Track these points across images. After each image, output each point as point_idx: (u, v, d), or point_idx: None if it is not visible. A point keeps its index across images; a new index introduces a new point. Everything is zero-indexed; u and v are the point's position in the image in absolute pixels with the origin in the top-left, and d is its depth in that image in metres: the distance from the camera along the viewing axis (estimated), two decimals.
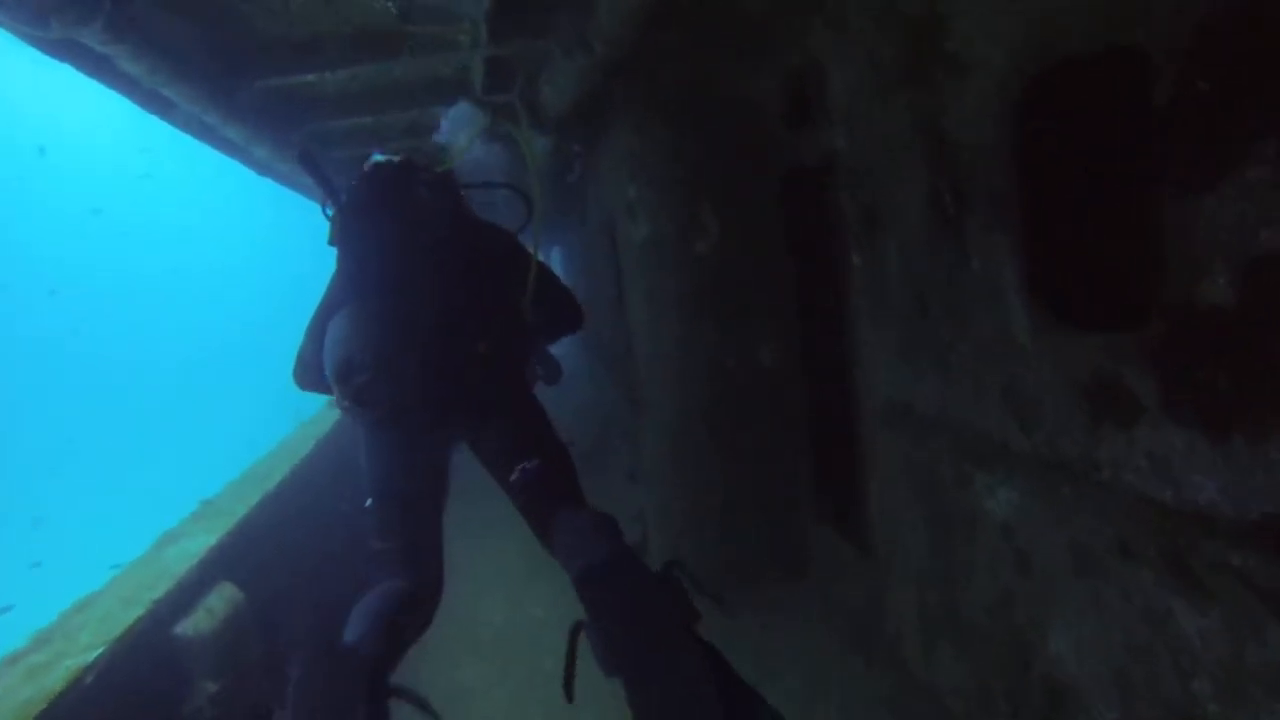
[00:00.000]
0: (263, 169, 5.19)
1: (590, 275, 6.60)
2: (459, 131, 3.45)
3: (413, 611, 2.32)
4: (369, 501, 2.48)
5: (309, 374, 2.66)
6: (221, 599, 2.99)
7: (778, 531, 3.95)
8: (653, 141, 3.91)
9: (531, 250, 2.78)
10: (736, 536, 3.95)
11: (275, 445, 5.24)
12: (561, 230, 9.73)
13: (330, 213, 2.75)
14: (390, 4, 3.05)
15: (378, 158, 2.80)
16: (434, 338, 2.41)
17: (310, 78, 3.66)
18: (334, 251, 2.67)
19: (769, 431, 3.95)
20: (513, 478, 2.44)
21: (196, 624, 2.81)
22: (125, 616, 2.55)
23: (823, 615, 3.53)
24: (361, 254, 2.57)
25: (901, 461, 2.77)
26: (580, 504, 2.45)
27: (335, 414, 5.46)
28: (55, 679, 2.14)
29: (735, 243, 3.90)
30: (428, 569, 2.45)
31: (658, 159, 3.91)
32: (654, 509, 4.33)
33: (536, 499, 2.43)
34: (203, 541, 3.26)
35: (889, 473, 2.90)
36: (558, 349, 3.37)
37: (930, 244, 2.35)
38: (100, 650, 2.31)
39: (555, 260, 18.13)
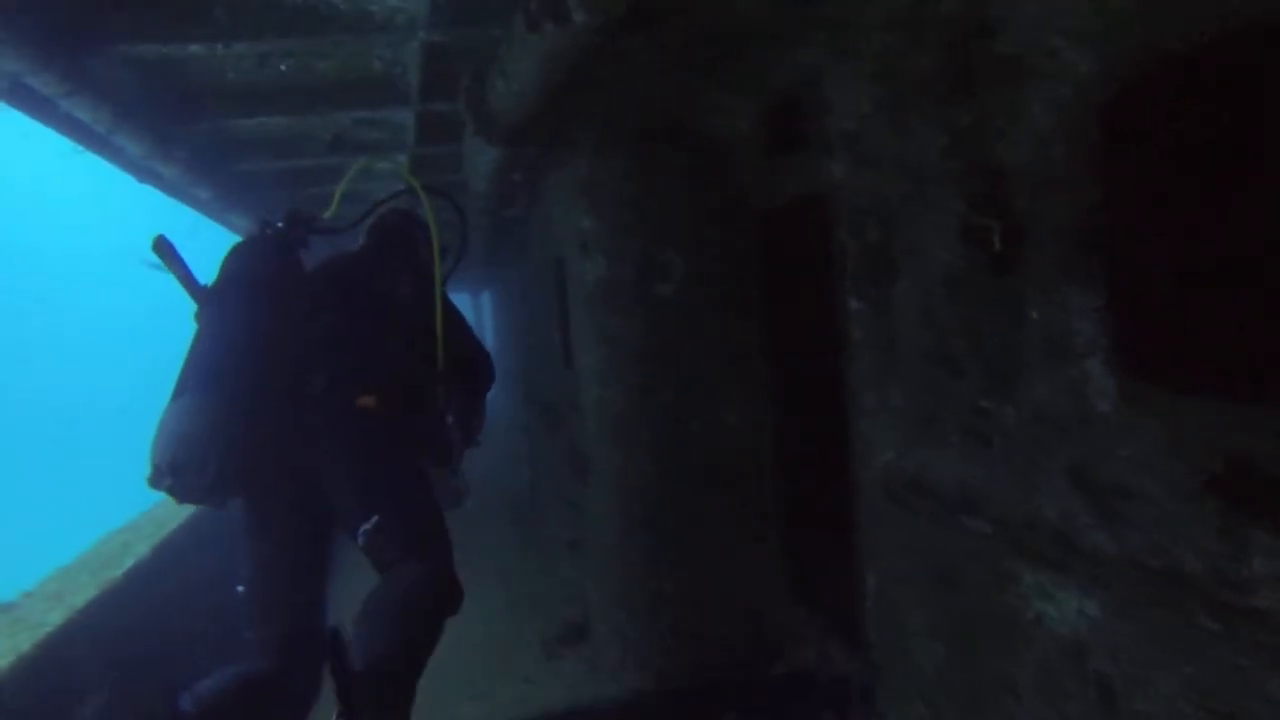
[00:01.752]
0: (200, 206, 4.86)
1: (532, 317, 6.13)
2: None
3: (273, 701, 2.21)
4: (239, 587, 2.37)
5: None
6: None
7: (746, 626, 3.49)
8: (611, 168, 3.53)
9: (435, 300, 2.70)
10: (695, 629, 3.47)
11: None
12: (499, 267, 9.26)
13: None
14: None
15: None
16: (275, 424, 2.33)
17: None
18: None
19: (737, 506, 3.52)
20: (360, 543, 2.27)
21: None
22: None
23: None
24: (208, 336, 2.42)
25: (911, 549, 2.38)
26: (423, 557, 2.29)
27: None
28: None
29: (703, 286, 3.52)
30: (304, 661, 2.28)
31: (616, 188, 3.53)
32: (598, 590, 3.83)
33: (379, 558, 2.28)
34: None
35: (892, 561, 2.50)
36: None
37: (965, 290, 1.99)
38: None
39: (486, 305, 17.60)
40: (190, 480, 2.19)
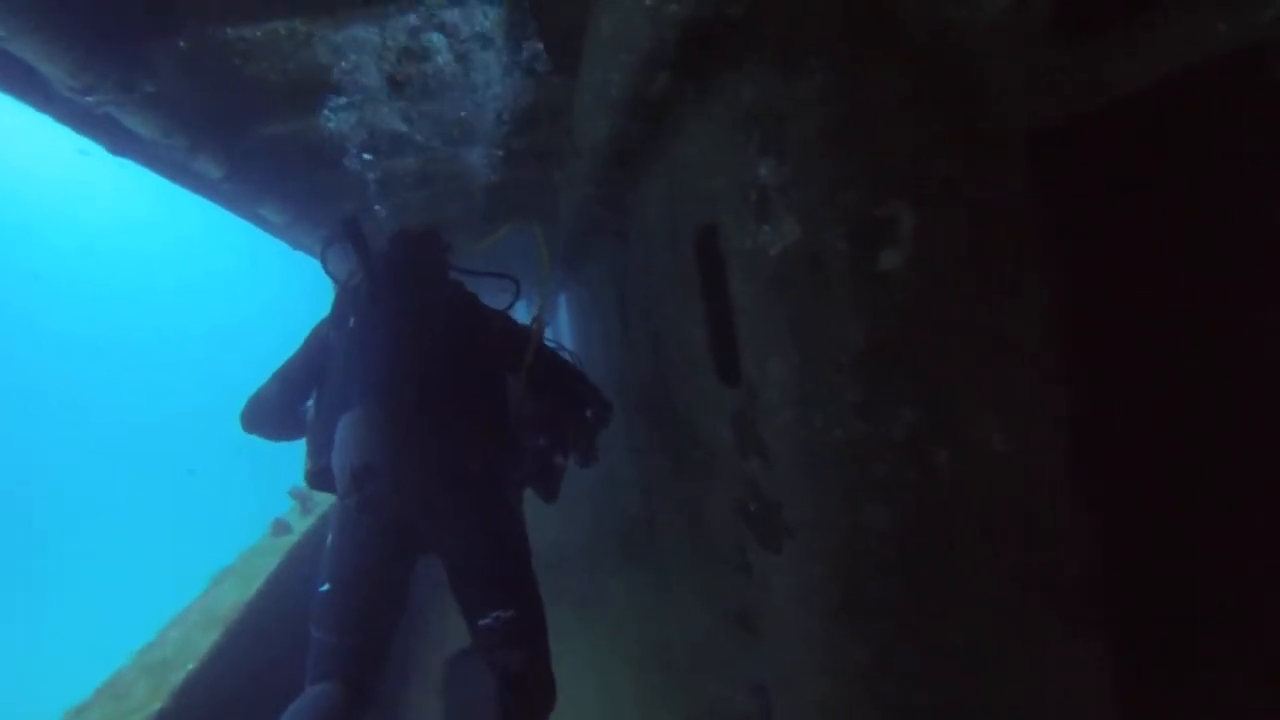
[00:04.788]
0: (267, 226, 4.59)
1: (644, 310, 5.07)
2: None
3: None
4: (324, 585, 2.49)
5: (265, 420, 2.88)
6: None
7: None
8: (801, 87, 2.46)
9: (531, 334, 2.90)
10: None
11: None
12: (583, 263, 8.26)
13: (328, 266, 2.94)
14: None
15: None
16: (442, 453, 2.56)
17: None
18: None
19: (1017, 577, 2.42)
20: (484, 621, 2.49)
21: None
22: None
23: None
24: (386, 342, 2.67)
25: None
26: (538, 651, 2.54)
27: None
28: None
29: (946, 251, 2.43)
30: (368, 677, 2.45)
31: (811, 115, 2.46)
32: (792, 696, 2.79)
33: (502, 651, 2.48)
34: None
35: None
36: None
37: None
38: None
39: (560, 311, 16.65)
40: (370, 490, 2.42)
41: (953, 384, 2.44)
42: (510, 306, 3.10)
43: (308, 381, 2.88)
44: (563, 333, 15.30)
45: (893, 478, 2.46)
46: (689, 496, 4.32)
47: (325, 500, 4.95)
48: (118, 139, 2.75)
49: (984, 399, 2.44)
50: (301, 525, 4.79)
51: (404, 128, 3.25)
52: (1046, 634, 2.38)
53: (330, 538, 2.59)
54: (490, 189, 4.80)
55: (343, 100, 2.76)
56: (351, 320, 2.78)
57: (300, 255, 6.15)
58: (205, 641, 3.16)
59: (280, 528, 4.63)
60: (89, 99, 2.30)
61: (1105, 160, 2.21)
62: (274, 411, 2.85)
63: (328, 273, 3.03)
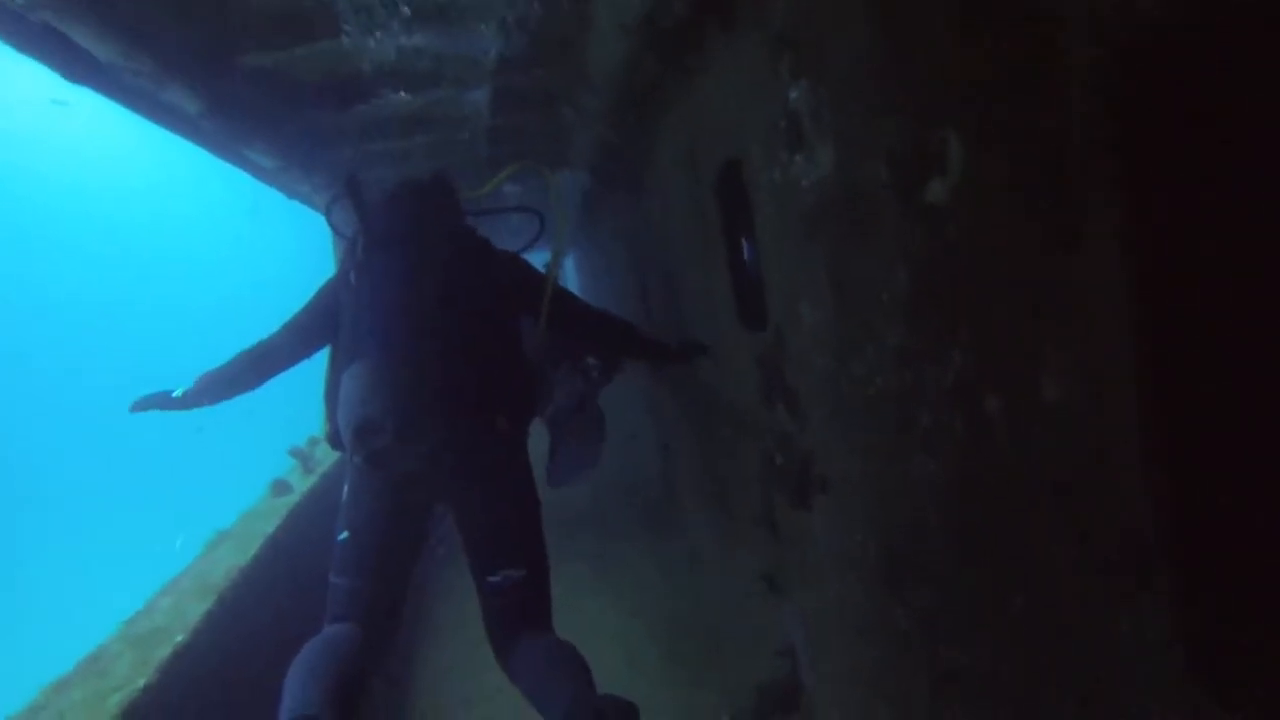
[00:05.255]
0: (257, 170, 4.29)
1: (660, 257, 4.86)
2: None
3: (360, 658, 2.33)
4: (343, 534, 2.55)
5: (257, 366, 2.88)
6: None
7: None
8: (843, 6, 2.23)
9: (548, 274, 2.97)
10: None
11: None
12: (594, 216, 8.02)
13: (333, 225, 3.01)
14: None
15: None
16: (456, 407, 2.56)
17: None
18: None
19: (1073, 534, 2.25)
20: (493, 578, 2.52)
21: None
22: None
23: None
24: (386, 297, 2.67)
25: None
26: (548, 629, 2.53)
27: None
28: None
29: (998, 182, 2.22)
30: (384, 619, 2.51)
31: (847, 34, 2.24)
32: (828, 659, 2.64)
33: (509, 612, 2.51)
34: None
35: None
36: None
37: None
38: None
39: (569, 267, 16.47)
40: (375, 444, 2.42)
41: (1006, 327, 2.24)
42: (535, 240, 3.15)
43: (316, 333, 2.89)
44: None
45: (939, 427, 2.28)
46: (710, 454, 4.16)
47: (328, 458, 4.79)
48: (71, 61, 2.45)
49: (1041, 344, 2.24)
50: (303, 485, 4.60)
51: (404, 54, 3.01)
52: (1110, 599, 2.21)
53: (346, 488, 2.61)
54: (494, 134, 4.57)
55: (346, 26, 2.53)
56: (352, 276, 2.77)
57: (303, 223, 5.99)
58: (197, 611, 3.01)
59: (281, 488, 4.48)
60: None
61: (1200, 90, 1.98)
62: (275, 359, 2.86)
63: (332, 226, 3.05)
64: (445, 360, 2.57)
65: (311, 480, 4.68)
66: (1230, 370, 2.05)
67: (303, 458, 4.86)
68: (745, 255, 3.12)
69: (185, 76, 2.37)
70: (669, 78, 3.28)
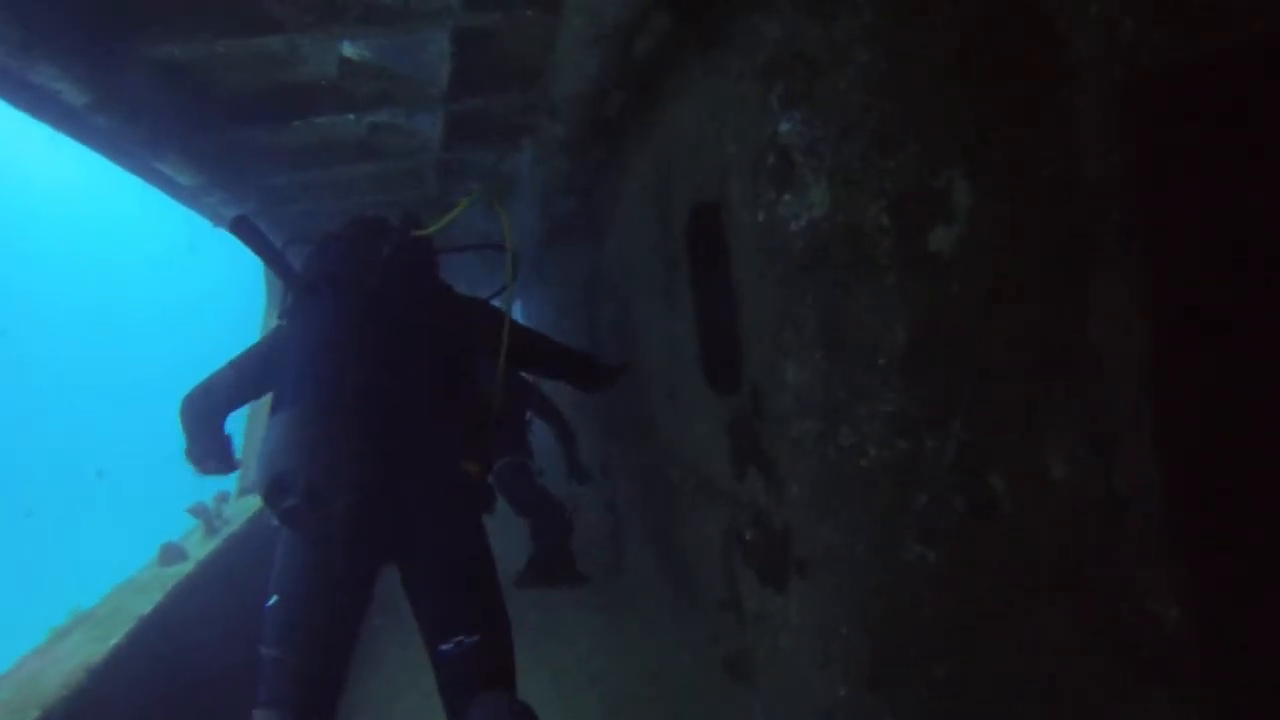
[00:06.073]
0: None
1: (619, 309, 4.59)
2: None
3: None
4: (272, 598, 2.32)
5: (204, 412, 2.70)
6: None
7: None
8: (848, 29, 2.02)
9: (504, 312, 2.83)
10: None
11: None
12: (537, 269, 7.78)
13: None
14: None
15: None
16: (386, 460, 2.31)
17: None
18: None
19: (1078, 625, 1.99)
20: (444, 646, 2.30)
21: None
22: None
23: None
24: (314, 342, 2.48)
25: None
26: (507, 687, 2.32)
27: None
28: None
29: (1008, 231, 2.00)
30: (319, 700, 2.27)
31: (856, 64, 2.02)
32: None
33: (464, 677, 2.29)
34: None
35: None
36: None
37: None
38: None
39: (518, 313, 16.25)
40: (289, 504, 2.20)
41: (1011, 393, 2.01)
42: (501, 290, 2.94)
43: (259, 378, 2.71)
44: None
45: (937, 506, 2.02)
46: (664, 521, 3.83)
47: (239, 516, 4.24)
48: None
49: (1051, 412, 2.01)
50: (201, 550, 3.80)
51: (347, 68, 2.69)
52: (1129, 701, 1.94)
53: (279, 548, 2.40)
54: (445, 168, 4.28)
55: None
56: (283, 321, 2.66)
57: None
58: None
59: (170, 554, 3.68)
60: None
61: (1214, 124, 1.80)
62: (218, 403, 2.69)
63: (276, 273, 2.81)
64: (375, 409, 2.33)
65: (213, 544, 3.87)
66: (1270, 444, 1.83)
67: (207, 517, 4.17)
68: (715, 305, 2.86)
69: (65, 56, 1.95)
70: (640, 103, 3.05)
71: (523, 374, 4.10)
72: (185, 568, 3.36)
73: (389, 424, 2.34)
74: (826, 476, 2.12)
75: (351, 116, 3.10)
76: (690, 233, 2.90)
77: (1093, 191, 1.94)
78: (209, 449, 2.76)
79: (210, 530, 3.99)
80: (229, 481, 5.03)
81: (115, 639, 2.61)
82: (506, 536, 3.38)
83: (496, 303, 2.93)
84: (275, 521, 2.29)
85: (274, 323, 2.88)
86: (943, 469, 2.02)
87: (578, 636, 4.33)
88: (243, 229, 2.51)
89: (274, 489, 2.21)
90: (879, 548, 2.05)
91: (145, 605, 2.89)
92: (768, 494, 2.39)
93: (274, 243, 2.65)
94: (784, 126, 2.12)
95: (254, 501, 4.59)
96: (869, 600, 2.08)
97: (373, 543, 2.40)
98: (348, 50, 2.69)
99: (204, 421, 2.72)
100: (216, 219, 3.99)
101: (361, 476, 2.26)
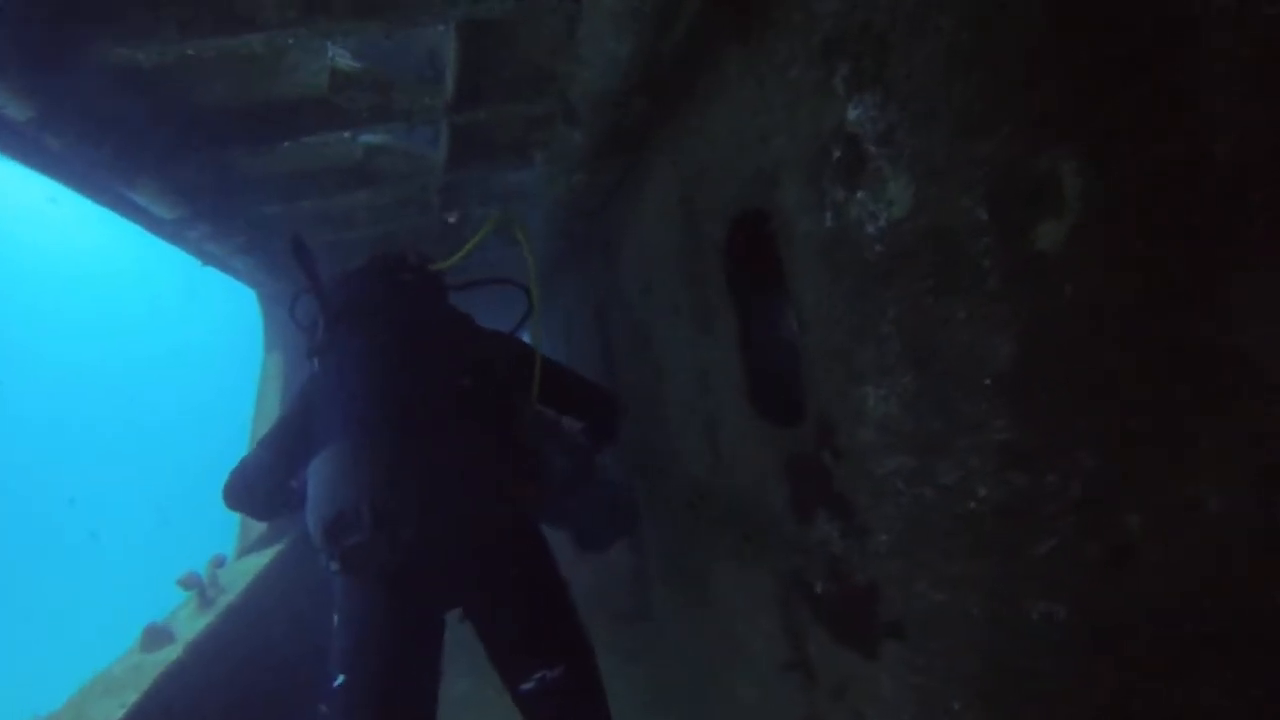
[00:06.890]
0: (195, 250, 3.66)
1: (631, 336, 4.28)
2: None
3: None
4: (338, 679, 2.14)
5: (249, 493, 2.57)
6: None
7: None
8: None
9: (534, 348, 2.69)
10: None
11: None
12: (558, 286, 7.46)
13: (298, 307, 2.68)
14: None
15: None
16: (449, 490, 2.20)
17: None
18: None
19: (1258, 700, 1.65)
20: (526, 686, 2.17)
21: None
22: None
23: None
24: (357, 375, 2.39)
25: None
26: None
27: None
28: None
29: (1129, 222, 1.69)
30: None
31: (937, 35, 1.73)
32: None
33: (555, 716, 2.18)
34: None
35: None
36: None
37: None
38: None
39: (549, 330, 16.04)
40: (349, 543, 2.06)
41: (1147, 414, 1.68)
42: (522, 322, 2.94)
43: (300, 447, 2.47)
44: None
45: (1063, 554, 1.69)
46: (699, 567, 3.49)
47: (234, 585, 3.84)
48: None
49: (1196, 435, 1.69)
50: (192, 629, 3.25)
51: (337, 77, 2.40)
52: None
53: (335, 617, 2.24)
54: (448, 192, 3.98)
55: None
56: (316, 362, 2.51)
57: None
58: None
59: (155, 638, 3.13)
60: None
61: None
62: (261, 484, 2.54)
63: (295, 321, 2.76)
64: (430, 437, 2.24)
65: (204, 621, 3.33)
66: None
67: (200, 589, 3.52)
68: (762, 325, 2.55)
69: None
70: (664, 110, 2.75)
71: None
72: (171, 653, 2.94)
73: (443, 452, 2.22)
74: (923, 521, 1.79)
75: (346, 134, 2.81)
76: (730, 248, 2.59)
77: (1225, 174, 1.64)
78: (280, 509, 2.67)
79: (204, 603, 3.54)
80: (227, 544, 4.70)
81: None
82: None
83: (523, 336, 2.85)
84: (335, 567, 2.12)
85: (275, 360, 2.70)
86: (1067, 508, 1.69)
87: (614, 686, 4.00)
88: (299, 251, 2.41)
89: (335, 526, 2.07)
90: (993, 606, 1.72)
91: (115, 711, 2.49)
92: (845, 541, 2.06)
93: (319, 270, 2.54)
94: (852, 114, 1.82)
95: (255, 563, 4.25)
96: (984, 668, 1.74)
97: (437, 583, 2.26)
98: (339, 59, 2.39)
99: (268, 508, 2.64)
100: (205, 258, 3.68)
101: (429, 499, 2.14)
